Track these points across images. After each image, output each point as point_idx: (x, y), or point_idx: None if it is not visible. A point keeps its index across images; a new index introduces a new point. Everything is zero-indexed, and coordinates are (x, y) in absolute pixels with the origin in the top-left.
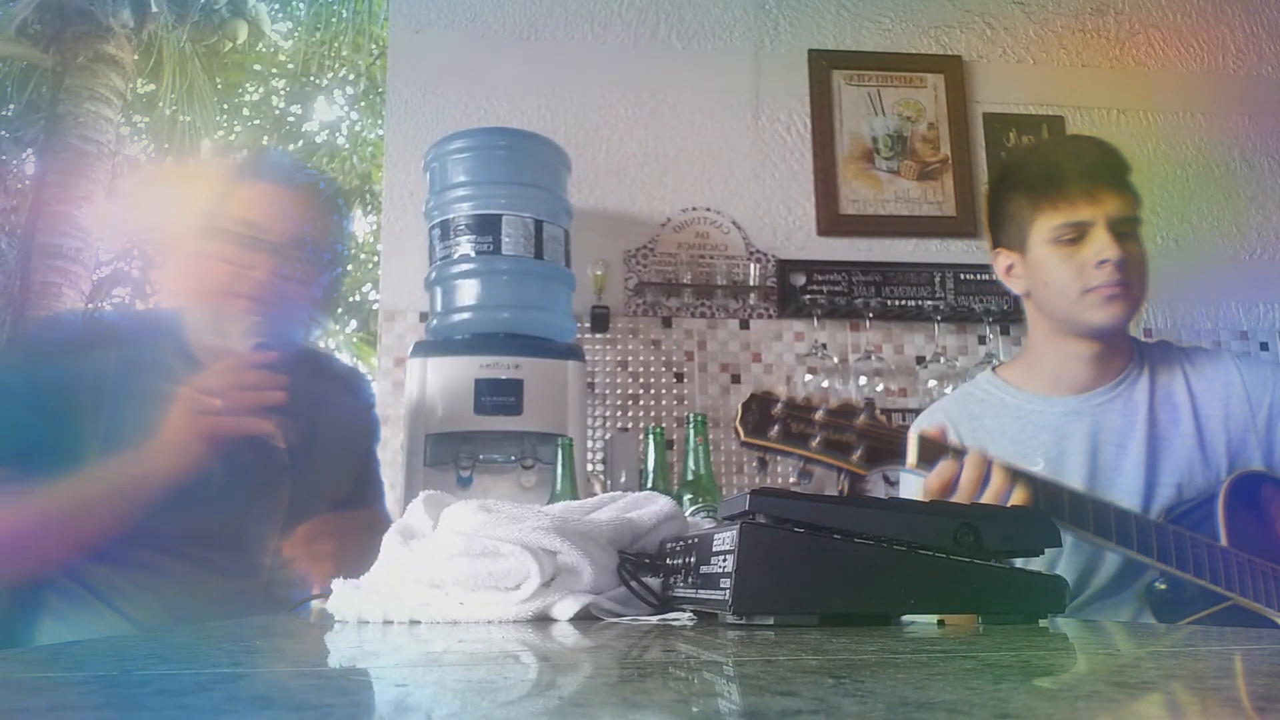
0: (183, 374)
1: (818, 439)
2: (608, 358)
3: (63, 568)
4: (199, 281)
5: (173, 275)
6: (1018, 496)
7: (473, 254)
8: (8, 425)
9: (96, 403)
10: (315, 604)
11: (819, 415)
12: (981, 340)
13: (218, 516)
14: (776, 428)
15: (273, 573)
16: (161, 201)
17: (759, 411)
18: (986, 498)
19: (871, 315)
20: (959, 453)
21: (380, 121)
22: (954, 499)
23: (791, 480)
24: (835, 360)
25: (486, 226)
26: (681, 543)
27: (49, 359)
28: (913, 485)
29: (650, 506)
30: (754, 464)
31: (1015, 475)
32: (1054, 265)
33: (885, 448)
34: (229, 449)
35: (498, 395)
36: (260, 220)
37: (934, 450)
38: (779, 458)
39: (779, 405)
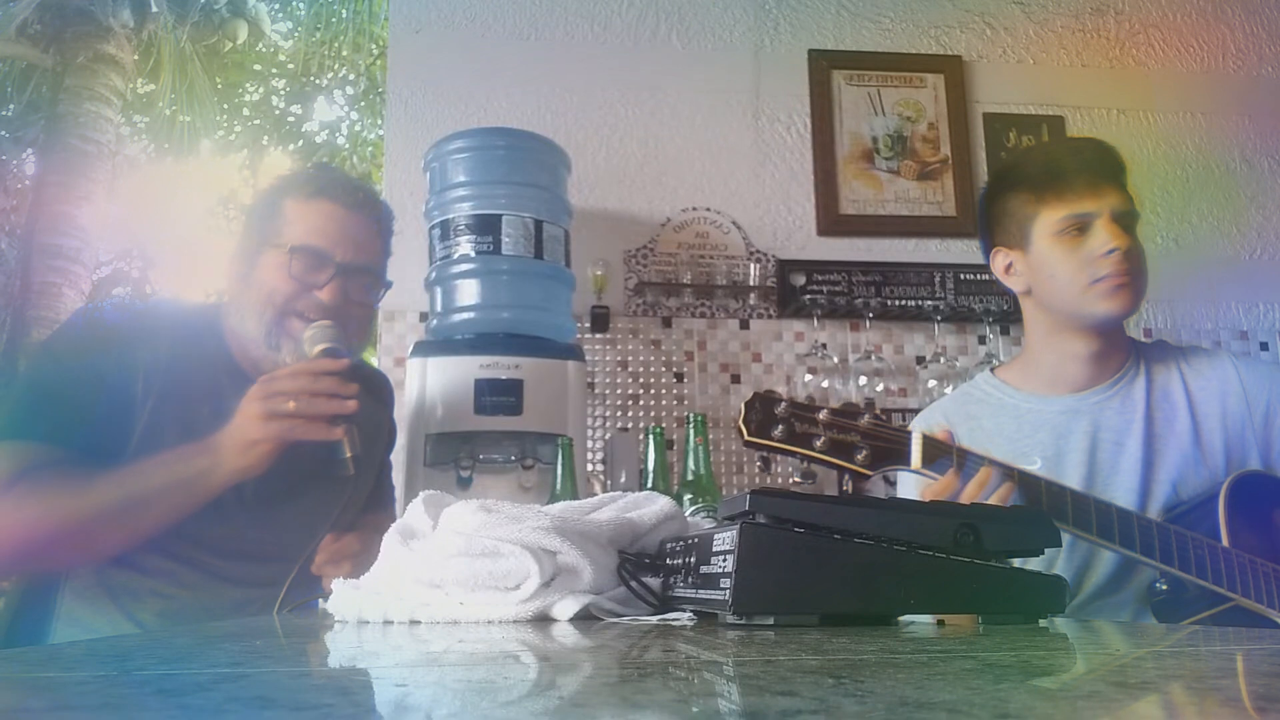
0: (224, 381)
1: (822, 439)
2: (608, 358)
3: (104, 561)
4: (264, 291)
5: (236, 276)
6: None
7: (473, 254)
8: (71, 409)
9: (145, 393)
10: (320, 603)
11: (823, 416)
12: (981, 340)
13: (251, 525)
14: (780, 428)
15: (291, 584)
16: (162, 202)
17: (762, 411)
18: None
19: (871, 315)
20: (963, 454)
21: (380, 121)
22: None
23: (793, 480)
24: (835, 360)
25: (486, 226)
26: (681, 543)
27: (106, 346)
28: (911, 484)
29: (650, 506)
30: (756, 464)
31: (1017, 484)
32: (1059, 258)
33: (889, 448)
34: (298, 455)
35: (498, 395)
36: (326, 242)
37: (938, 452)
38: (781, 457)
39: (782, 405)
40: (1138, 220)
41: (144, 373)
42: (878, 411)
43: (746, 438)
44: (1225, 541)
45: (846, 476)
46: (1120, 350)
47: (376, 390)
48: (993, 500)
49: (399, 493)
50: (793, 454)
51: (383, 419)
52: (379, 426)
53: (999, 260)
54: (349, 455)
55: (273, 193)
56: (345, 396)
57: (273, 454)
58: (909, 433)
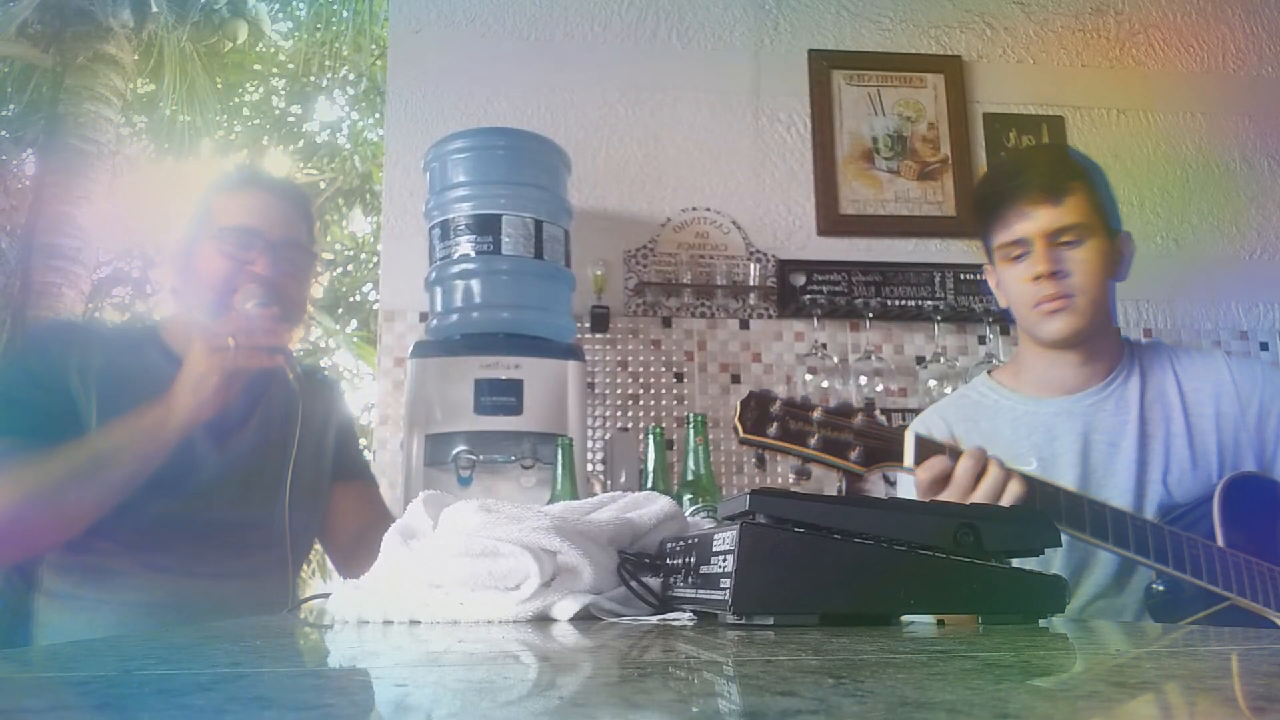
0: (168, 370)
1: (816, 438)
2: (608, 358)
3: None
4: (203, 276)
5: (176, 271)
6: (1014, 487)
7: (473, 254)
8: (18, 405)
9: (84, 392)
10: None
11: (817, 414)
12: (981, 340)
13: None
14: (775, 426)
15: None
16: (163, 202)
17: (758, 409)
18: (982, 490)
19: (871, 315)
20: (956, 453)
21: (381, 121)
22: (950, 491)
23: (790, 479)
24: (835, 360)
25: (486, 226)
26: (681, 543)
27: (38, 354)
28: (911, 484)
29: (650, 506)
30: (753, 462)
31: (1011, 470)
32: (1009, 282)
33: (883, 448)
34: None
35: (498, 395)
36: (254, 222)
37: (931, 451)
38: (778, 456)
39: (777, 403)
40: (1088, 230)
41: (77, 374)
42: (876, 412)
43: (742, 435)
44: (1221, 543)
45: (841, 474)
46: (1111, 352)
47: (327, 386)
48: (986, 483)
49: (399, 493)
50: (788, 452)
51: (330, 411)
52: (326, 418)
53: (990, 278)
54: (292, 375)
55: (203, 196)
56: (281, 333)
57: (222, 385)
58: (902, 432)
